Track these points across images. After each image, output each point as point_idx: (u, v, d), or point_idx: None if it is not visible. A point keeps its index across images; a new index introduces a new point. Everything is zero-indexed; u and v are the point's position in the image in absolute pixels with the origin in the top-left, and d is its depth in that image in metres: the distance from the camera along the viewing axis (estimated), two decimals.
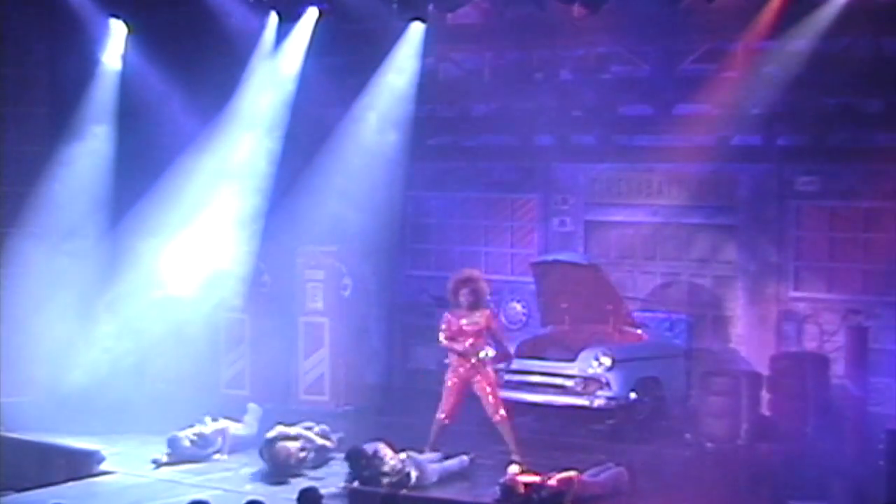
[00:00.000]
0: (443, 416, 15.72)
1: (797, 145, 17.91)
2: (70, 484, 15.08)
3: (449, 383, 15.79)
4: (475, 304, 15.73)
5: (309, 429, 16.25)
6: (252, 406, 17.62)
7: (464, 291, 15.73)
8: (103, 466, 15.86)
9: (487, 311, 15.80)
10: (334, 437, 16.41)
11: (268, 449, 15.80)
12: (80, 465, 15.66)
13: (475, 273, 16.10)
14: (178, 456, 16.45)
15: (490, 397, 15.64)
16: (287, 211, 19.16)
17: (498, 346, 15.83)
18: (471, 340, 15.64)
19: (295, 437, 15.96)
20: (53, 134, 19.45)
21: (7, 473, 15.41)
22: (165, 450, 16.47)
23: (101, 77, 19.58)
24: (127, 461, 16.30)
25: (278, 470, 15.67)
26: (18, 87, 19.37)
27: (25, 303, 19.01)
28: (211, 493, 14.37)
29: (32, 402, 18.26)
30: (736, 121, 17.40)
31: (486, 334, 15.73)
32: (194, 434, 16.58)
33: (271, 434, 15.95)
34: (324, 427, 16.45)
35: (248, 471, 16.09)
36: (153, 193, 18.97)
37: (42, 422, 17.51)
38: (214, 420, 16.93)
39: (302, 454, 15.84)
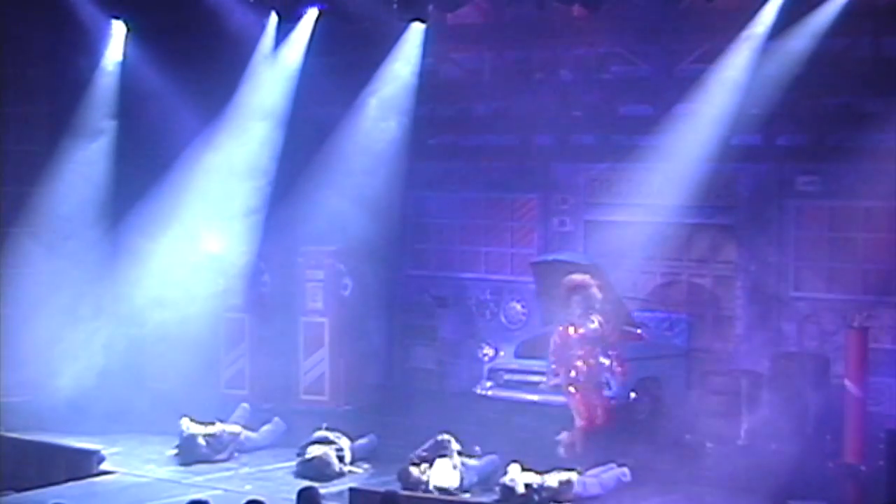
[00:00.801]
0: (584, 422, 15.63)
1: (797, 145, 17.90)
2: (70, 484, 15.07)
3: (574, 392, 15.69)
4: (588, 311, 15.61)
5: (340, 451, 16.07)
6: (277, 420, 17.56)
7: (576, 299, 15.61)
8: (103, 466, 15.86)
9: (601, 317, 15.67)
10: (364, 465, 16.26)
11: (308, 459, 15.77)
12: (80, 465, 15.65)
13: (586, 279, 15.89)
14: (188, 456, 16.46)
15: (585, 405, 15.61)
16: (287, 211, 19.16)
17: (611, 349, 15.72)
18: (587, 349, 15.55)
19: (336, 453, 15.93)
20: (53, 134, 19.46)
21: (7, 473, 15.39)
22: (173, 450, 16.51)
23: (102, 77, 19.59)
24: (127, 461, 16.31)
25: (316, 475, 15.59)
26: (18, 87, 19.36)
27: (25, 302, 19.01)
28: (211, 493, 14.37)
29: (32, 402, 18.26)
30: (736, 121, 17.38)
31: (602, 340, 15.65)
32: (209, 434, 16.60)
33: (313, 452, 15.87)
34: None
35: (247, 471, 16.10)
36: (153, 193, 18.99)
37: (42, 422, 17.51)
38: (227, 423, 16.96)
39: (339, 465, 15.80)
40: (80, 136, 19.37)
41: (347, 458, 15.96)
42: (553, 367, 15.84)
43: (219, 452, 16.59)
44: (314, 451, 15.85)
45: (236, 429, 16.89)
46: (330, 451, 15.82)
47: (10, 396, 18.20)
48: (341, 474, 15.71)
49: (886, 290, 17.10)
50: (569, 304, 15.62)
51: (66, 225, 19.36)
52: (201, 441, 16.52)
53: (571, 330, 15.68)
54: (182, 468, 16.19)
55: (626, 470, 14.86)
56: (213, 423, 16.75)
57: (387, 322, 20.51)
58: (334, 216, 18.87)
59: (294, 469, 15.88)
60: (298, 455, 15.97)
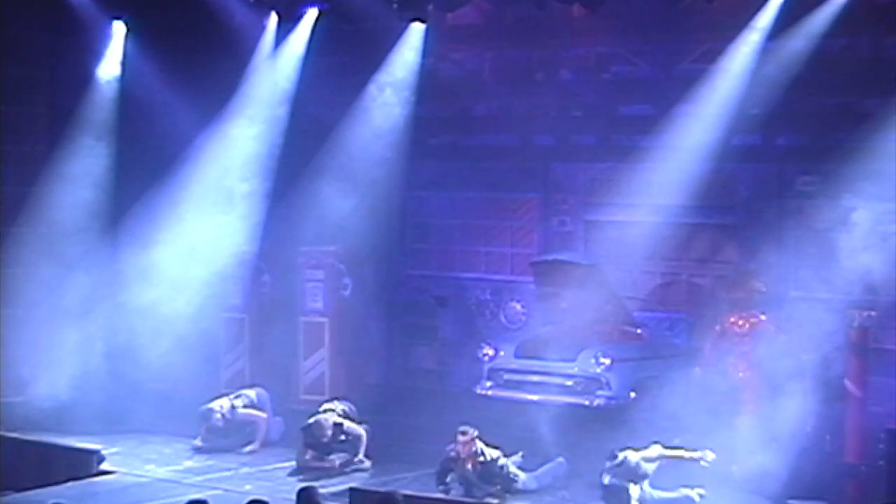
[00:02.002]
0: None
1: (797, 145, 17.90)
2: (70, 484, 15.09)
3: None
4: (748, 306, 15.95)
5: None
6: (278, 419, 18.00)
7: (743, 292, 16.01)
8: (103, 466, 15.87)
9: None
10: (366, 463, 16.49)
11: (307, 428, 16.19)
12: (80, 465, 15.67)
13: (754, 271, 16.23)
14: (203, 423, 17.09)
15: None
16: (287, 210, 19.16)
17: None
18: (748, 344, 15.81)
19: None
20: (53, 134, 19.48)
21: (7, 473, 15.41)
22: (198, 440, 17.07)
23: (102, 77, 19.60)
24: (127, 461, 16.32)
25: (316, 444, 15.94)
26: (19, 87, 19.37)
27: (25, 302, 19.02)
28: (211, 493, 14.38)
29: (32, 402, 18.27)
30: (736, 121, 17.38)
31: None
32: (225, 409, 17.16)
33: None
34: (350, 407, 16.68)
35: (247, 471, 16.11)
36: (153, 193, 19.00)
37: (42, 422, 17.52)
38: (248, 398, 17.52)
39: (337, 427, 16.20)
40: (80, 136, 19.38)
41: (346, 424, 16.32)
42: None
43: (232, 431, 17.12)
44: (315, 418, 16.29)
45: (253, 411, 17.31)
46: (329, 417, 16.16)
47: (9, 396, 18.21)
48: (337, 437, 16.04)
49: (886, 290, 17.07)
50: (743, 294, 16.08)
51: (66, 225, 19.37)
52: (217, 416, 17.09)
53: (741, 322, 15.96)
54: (182, 467, 16.21)
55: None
56: (238, 396, 17.30)
57: (387, 322, 20.50)
58: (334, 216, 18.87)
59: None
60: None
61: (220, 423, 17.11)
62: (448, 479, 14.88)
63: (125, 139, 19.54)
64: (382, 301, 20.28)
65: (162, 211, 18.94)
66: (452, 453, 14.89)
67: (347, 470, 16.08)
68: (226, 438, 17.29)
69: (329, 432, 16.05)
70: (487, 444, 15.04)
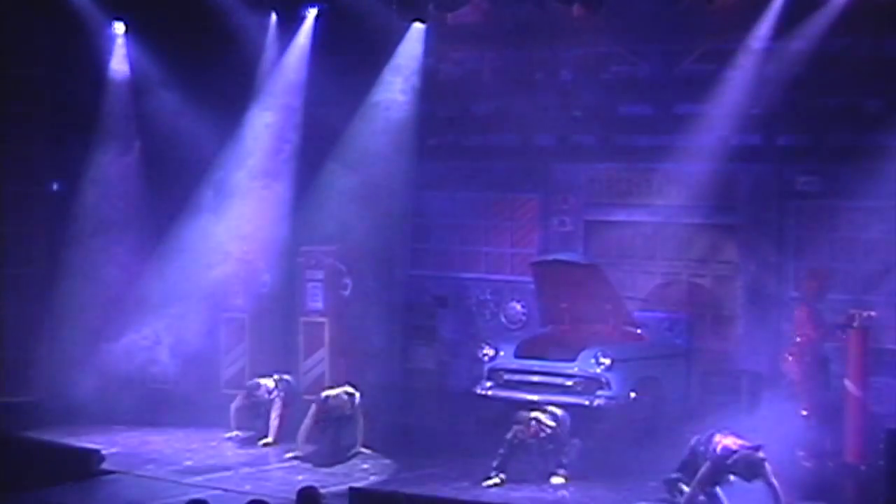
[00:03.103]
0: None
1: (797, 145, 17.91)
2: (70, 484, 15.08)
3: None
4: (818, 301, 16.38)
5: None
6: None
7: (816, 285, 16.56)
8: (103, 466, 15.87)
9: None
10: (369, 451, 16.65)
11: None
12: (80, 465, 15.66)
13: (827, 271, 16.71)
14: (242, 408, 17.30)
15: None
16: (288, 210, 19.17)
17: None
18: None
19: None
20: (54, 134, 19.48)
21: (7, 473, 15.40)
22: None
23: (102, 77, 19.61)
24: (127, 461, 16.31)
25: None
26: (20, 88, 19.37)
27: (28, 303, 19.01)
28: (211, 493, 14.37)
29: (33, 402, 18.26)
30: (736, 121, 17.39)
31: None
32: (270, 387, 17.37)
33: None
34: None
35: (247, 471, 16.11)
36: (153, 193, 19.02)
37: (42, 422, 17.52)
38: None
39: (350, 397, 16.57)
40: (80, 136, 19.37)
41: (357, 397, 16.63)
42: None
43: (264, 413, 17.31)
44: (329, 393, 16.62)
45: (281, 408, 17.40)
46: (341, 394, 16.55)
47: (10, 396, 18.21)
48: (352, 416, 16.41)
49: (886, 290, 17.09)
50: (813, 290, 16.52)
51: (67, 224, 19.38)
52: (263, 389, 17.35)
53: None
54: (181, 467, 16.23)
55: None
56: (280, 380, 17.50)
57: (387, 322, 20.49)
58: (335, 216, 18.88)
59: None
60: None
61: (265, 398, 17.27)
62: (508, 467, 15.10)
63: (125, 139, 19.54)
64: (382, 301, 20.28)
65: (161, 211, 18.93)
66: (517, 440, 15.06)
67: (349, 455, 16.23)
68: (256, 419, 17.37)
69: (346, 405, 16.37)
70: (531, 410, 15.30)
